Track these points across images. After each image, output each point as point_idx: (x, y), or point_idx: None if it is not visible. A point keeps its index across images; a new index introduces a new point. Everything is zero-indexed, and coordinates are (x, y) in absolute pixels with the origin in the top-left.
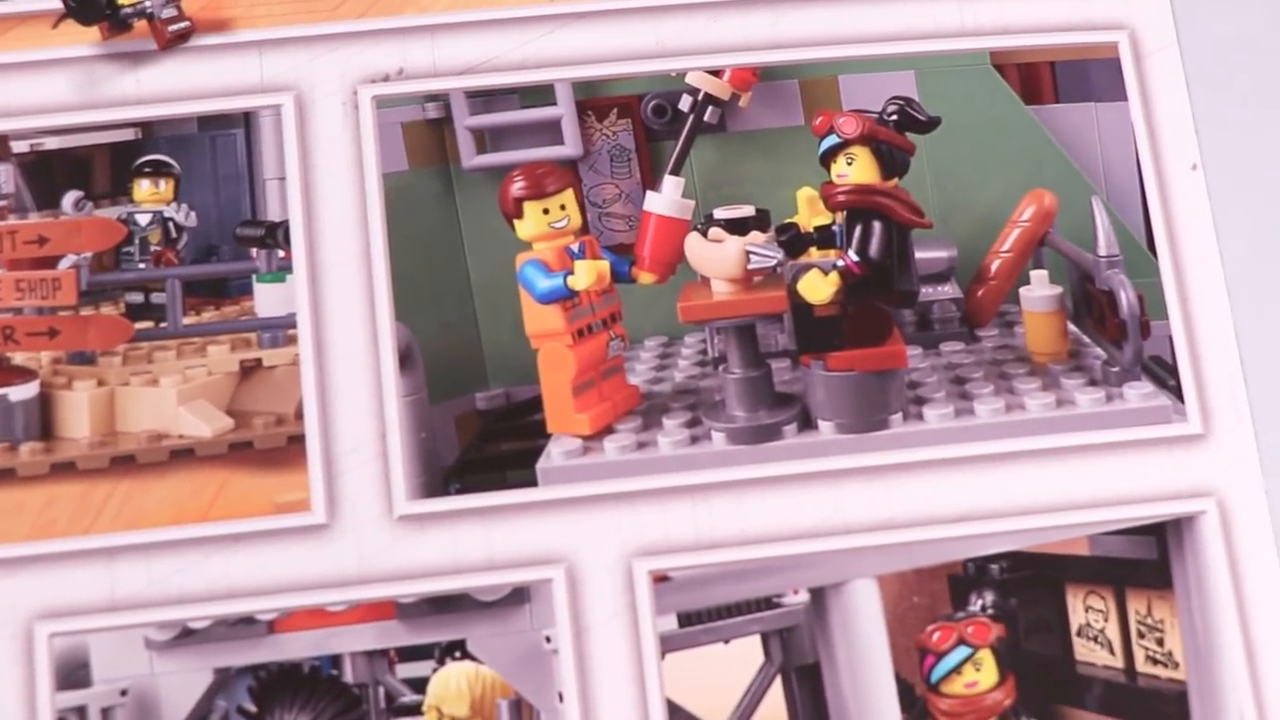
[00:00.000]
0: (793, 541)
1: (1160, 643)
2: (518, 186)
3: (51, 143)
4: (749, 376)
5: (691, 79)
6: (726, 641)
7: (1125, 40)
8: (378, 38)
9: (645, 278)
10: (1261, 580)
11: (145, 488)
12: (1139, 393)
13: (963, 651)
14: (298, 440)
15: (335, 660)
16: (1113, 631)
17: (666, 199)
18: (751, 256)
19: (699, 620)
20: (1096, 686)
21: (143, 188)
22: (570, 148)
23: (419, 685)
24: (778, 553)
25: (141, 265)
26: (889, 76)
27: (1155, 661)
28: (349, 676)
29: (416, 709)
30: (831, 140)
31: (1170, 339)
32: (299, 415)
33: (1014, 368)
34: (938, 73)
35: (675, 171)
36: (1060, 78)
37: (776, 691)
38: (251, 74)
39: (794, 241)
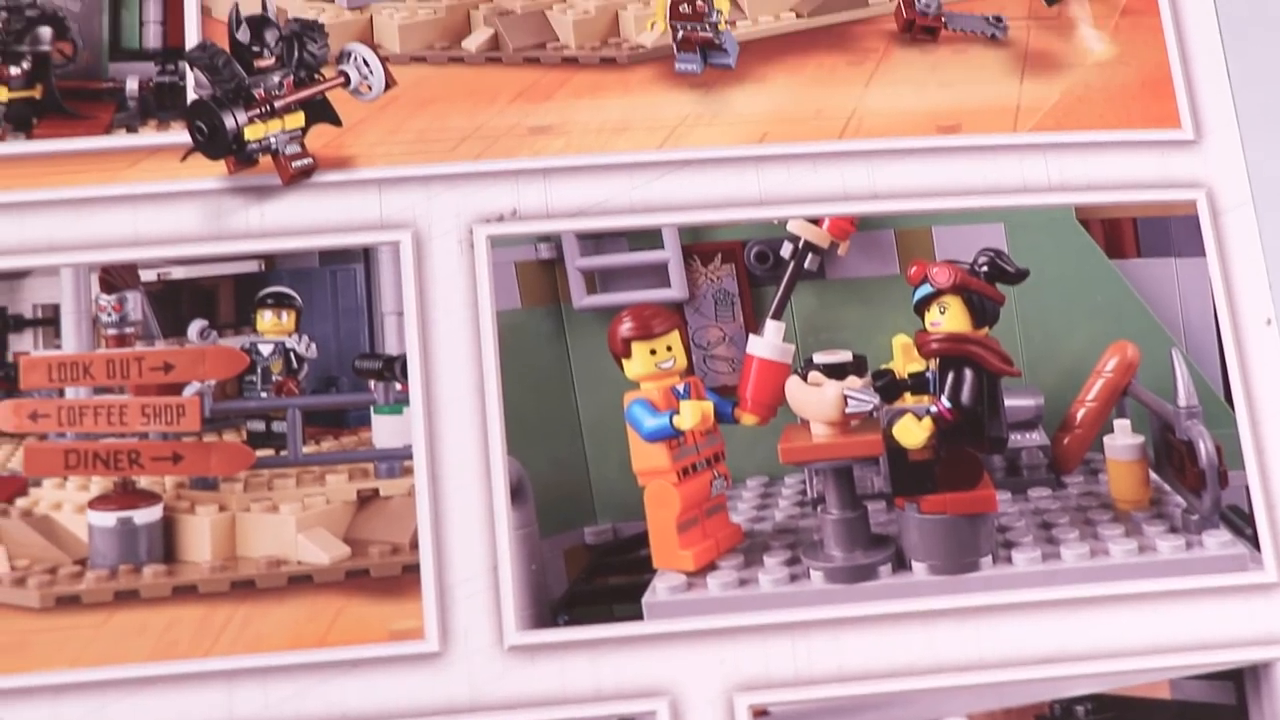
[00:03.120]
0: (887, 679)
1: None
2: (626, 327)
3: (179, 273)
4: (846, 518)
5: (793, 227)
6: None
7: (1203, 198)
8: (493, 179)
9: (747, 419)
10: None
11: (264, 612)
12: (1217, 540)
13: None
14: (412, 569)
15: None
16: None
17: (768, 343)
18: (849, 401)
19: None
20: None
21: (265, 319)
22: (676, 291)
23: None
24: (873, 690)
25: (263, 394)
26: (980, 228)
27: None
28: None
29: None
30: (926, 289)
31: (1247, 489)
32: (414, 545)
33: (1098, 514)
34: (1026, 226)
35: (777, 316)
36: (1142, 233)
37: None
38: (371, 211)
39: (889, 387)
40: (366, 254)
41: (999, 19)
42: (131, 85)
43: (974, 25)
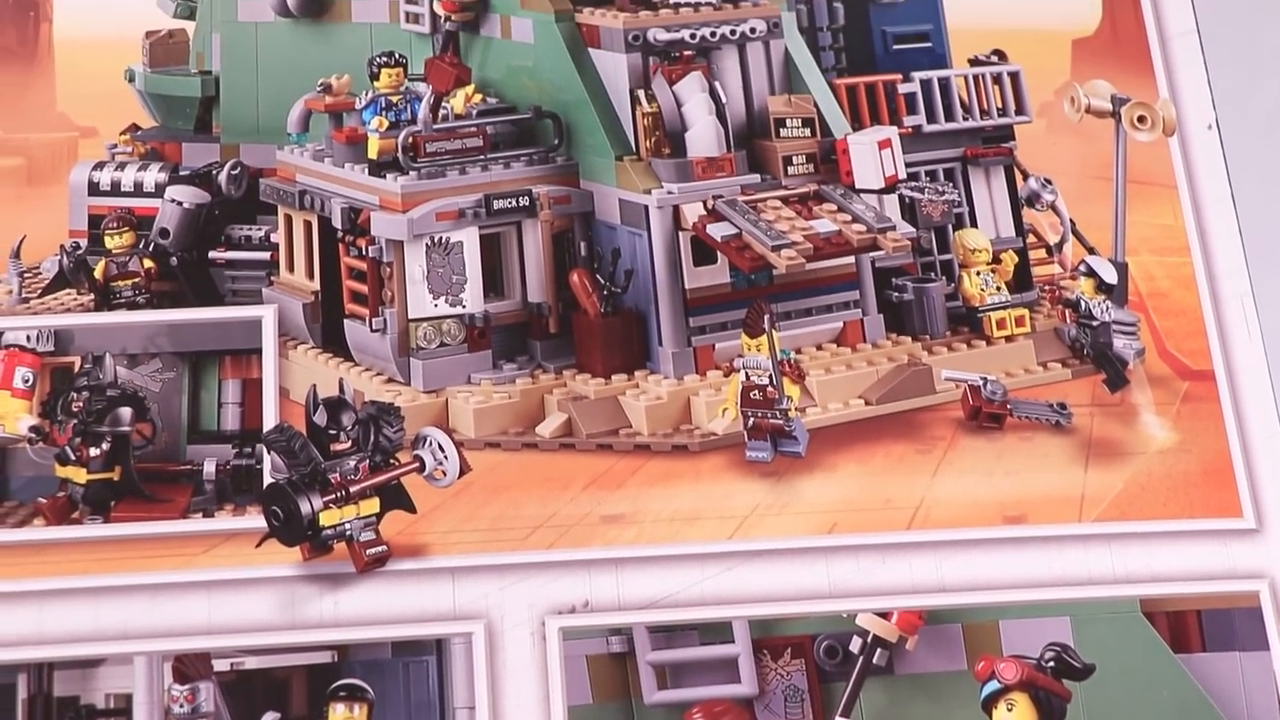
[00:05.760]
0: None
1: None
2: None
3: (252, 662)
4: None
5: (861, 620)
6: None
7: (1265, 589)
8: (566, 569)
9: None
10: None
11: None
12: None
13: None
14: None
15: None
16: None
17: None
18: None
19: None
20: None
21: (338, 712)
22: (747, 686)
23: None
24: None
25: None
26: (1046, 622)
27: None
28: None
29: None
30: (993, 686)
31: None
32: None
33: None
34: (1092, 620)
35: (846, 713)
36: (1206, 626)
37: None
38: (445, 601)
39: None
40: (439, 645)
41: (1063, 406)
42: (209, 468)
43: (1039, 413)
